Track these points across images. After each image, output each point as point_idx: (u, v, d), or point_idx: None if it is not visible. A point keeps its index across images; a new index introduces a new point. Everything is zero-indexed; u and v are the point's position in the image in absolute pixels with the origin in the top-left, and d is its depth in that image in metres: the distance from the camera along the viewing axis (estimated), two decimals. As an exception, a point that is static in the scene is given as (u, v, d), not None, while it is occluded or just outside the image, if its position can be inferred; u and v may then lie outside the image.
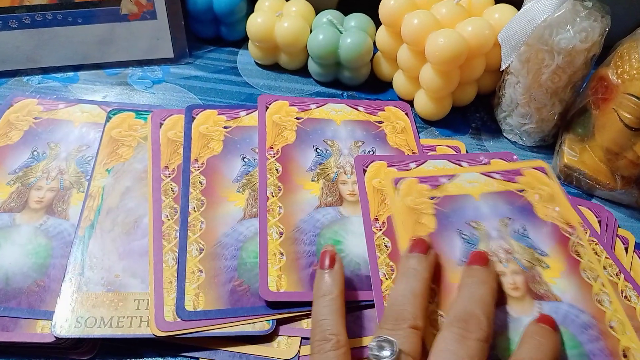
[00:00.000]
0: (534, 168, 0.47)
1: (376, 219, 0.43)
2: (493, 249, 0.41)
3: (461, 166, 0.47)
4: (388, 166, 0.46)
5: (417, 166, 0.47)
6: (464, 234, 0.42)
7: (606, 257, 0.42)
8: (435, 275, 0.38)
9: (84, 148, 0.47)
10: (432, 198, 0.44)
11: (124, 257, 0.39)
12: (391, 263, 0.40)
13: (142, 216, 0.42)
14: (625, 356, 0.36)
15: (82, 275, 0.38)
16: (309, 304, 0.37)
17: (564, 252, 0.41)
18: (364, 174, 0.46)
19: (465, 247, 0.41)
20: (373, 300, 0.38)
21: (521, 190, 0.45)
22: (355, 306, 0.38)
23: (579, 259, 0.41)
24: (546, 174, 0.47)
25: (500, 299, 0.38)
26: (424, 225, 0.42)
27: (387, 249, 0.41)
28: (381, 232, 0.42)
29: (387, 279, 0.39)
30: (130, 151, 0.46)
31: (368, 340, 0.37)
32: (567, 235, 0.43)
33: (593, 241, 0.42)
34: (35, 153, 0.46)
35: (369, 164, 0.46)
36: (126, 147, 0.46)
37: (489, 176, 0.46)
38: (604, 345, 0.37)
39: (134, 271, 0.39)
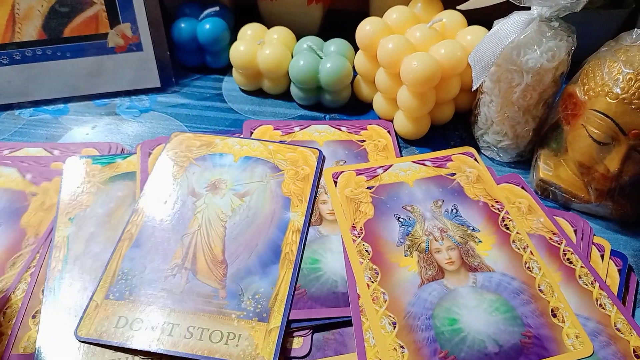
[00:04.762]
0: (462, 153, 0.52)
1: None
2: (428, 229, 0.45)
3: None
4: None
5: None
6: (401, 218, 0.45)
7: (581, 266, 0.43)
8: (378, 257, 0.42)
9: None
10: (369, 188, 0.47)
11: None
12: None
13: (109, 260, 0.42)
14: (554, 315, 0.40)
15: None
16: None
17: (494, 227, 0.45)
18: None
19: (403, 229, 0.45)
20: (351, 317, 0.39)
21: (452, 174, 0.49)
22: (334, 323, 0.39)
23: (508, 232, 0.45)
24: (474, 157, 0.51)
25: (437, 273, 0.42)
26: (363, 212, 0.45)
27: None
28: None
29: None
30: (91, 197, 0.46)
31: (349, 359, 0.38)
32: (496, 211, 0.46)
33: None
34: None
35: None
36: (86, 193, 0.47)
37: (421, 164, 0.50)
38: (535, 307, 0.40)
39: None
